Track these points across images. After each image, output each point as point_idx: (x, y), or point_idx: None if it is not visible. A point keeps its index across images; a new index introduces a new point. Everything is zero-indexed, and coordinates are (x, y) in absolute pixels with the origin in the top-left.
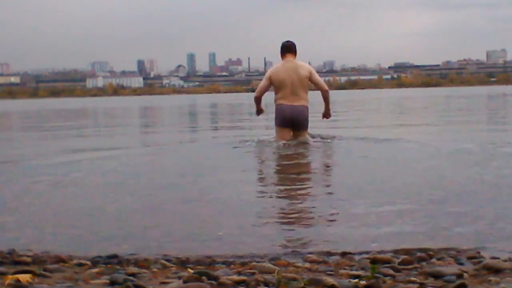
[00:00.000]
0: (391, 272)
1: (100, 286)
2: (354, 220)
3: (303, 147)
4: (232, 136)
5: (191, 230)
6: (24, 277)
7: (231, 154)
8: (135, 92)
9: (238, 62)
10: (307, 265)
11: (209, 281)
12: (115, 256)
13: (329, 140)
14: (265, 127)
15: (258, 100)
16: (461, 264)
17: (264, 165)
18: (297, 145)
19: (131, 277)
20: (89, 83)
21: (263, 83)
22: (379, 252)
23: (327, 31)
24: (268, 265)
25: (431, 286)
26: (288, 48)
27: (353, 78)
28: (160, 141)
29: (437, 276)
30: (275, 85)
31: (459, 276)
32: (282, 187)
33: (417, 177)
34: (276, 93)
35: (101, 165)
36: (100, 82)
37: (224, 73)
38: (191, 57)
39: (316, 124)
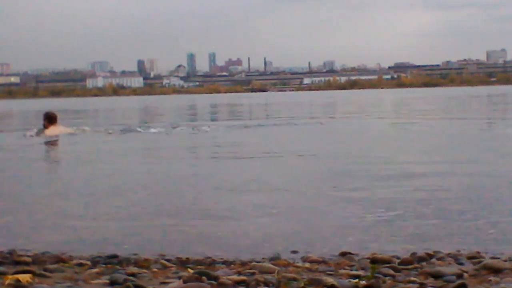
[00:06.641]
0: (391, 272)
1: (100, 286)
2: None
3: None
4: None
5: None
6: (24, 277)
7: None
8: (135, 92)
9: (238, 62)
10: (307, 265)
11: (209, 281)
12: (115, 256)
13: None
14: None
15: None
16: (461, 264)
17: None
18: None
19: (131, 277)
20: (89, 83)
21: None
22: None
23: (327, 31)
24: (268, 265)
25: (431, 286)
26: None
27: (353, 78)
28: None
29: (437, 276)
30: None
31: (459, 276)
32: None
33: None
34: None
35: None
36: (100, 82)
37: (224, 73)
38: (191, 57)
39: None
